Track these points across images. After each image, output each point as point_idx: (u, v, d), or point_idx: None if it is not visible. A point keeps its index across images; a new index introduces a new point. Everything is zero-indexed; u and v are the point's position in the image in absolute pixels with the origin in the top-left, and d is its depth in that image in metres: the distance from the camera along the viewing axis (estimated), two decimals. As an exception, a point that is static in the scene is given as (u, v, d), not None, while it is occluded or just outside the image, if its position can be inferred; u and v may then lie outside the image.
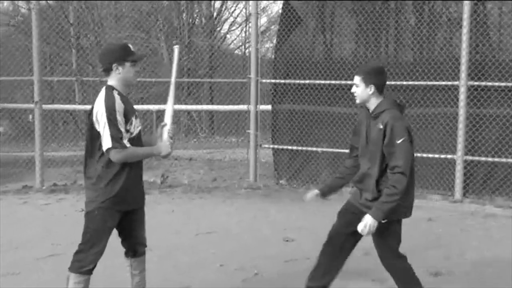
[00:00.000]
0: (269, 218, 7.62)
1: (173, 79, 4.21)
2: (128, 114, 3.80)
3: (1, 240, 6.34)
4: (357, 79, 4.03)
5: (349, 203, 4.28)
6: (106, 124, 3.68)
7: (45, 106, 9.68)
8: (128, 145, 3.73)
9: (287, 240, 6.55)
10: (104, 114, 3.69)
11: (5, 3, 32.75)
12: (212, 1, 31.72)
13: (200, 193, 9.22)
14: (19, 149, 14.90)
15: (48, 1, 30.84)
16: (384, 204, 3.83)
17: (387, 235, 4.06)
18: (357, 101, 4.09)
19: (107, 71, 3.86)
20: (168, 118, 4.07)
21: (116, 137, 3.68)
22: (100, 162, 3.81)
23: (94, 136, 3.79)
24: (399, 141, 3.79)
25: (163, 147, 3.93)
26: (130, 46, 3.92)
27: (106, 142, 3.68)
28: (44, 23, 28.28)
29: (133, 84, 4.05)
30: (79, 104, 19.24)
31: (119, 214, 3.90)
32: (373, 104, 3.99)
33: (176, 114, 22.71)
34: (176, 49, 4.27)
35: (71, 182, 9.68)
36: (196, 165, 12.56)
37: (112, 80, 3.87)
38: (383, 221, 3.87)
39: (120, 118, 3.72)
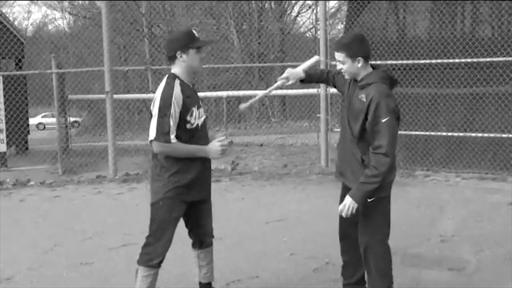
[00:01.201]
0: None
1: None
2: (188, 105, 3.70)
3: (76, 229, 6.47)
4: (340, 56, 3.69)
5: (343, 187, 4.03)
6: (156, 114, 3.61)
7: (116, 96, 9.77)
8: (173, 140, 3.63)
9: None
10: (158, 104, 3.62)
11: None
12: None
13: (270, 179, 9.12)
14: (96, 139, 15.27)
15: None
16: (364, 185, 3.58)
17: (376, 215, 3.79)
18: (346, 77, 3.79)
19: (172, 59, 3.76)
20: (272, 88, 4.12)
21: (162, 130, 3.60)
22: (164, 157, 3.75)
23: None
24: (383, 120, 3.50)
25: (212, 150, 3.78)
26: (195, 32, 3.79)
27: (151, 133, 3.62)
28: (118, 15, 28.97)
29: (199, 72, 3.94)
30: (152, 92, 19.51)
31: (185, 205, 3.82)
32: (361, 75, 3.71)
33: (248, 99, 22.82)
34: (314, 58, 4.24)
35: (143, 171, 9.78)
36: (267, 151, 12.49)
37: (176, 68, 3.77)
38: (369, 200, 3.65)
39: (174, 109, 3.62)
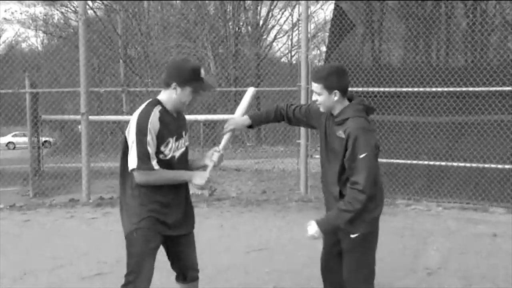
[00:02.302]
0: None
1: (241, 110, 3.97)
2: (164, 135, 3.46)
3: (47, 257, 6.17)
4: (317, 87, 3.56)
5: None
6: (134, 142, 3.39)
7: (91, 118, 9.49)
8: (156, 167, 3.42)
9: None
10: (135, 131, 3.39)
11: (56, 16, 33.34)
12: (258, 9, 31.60)
13: (249, 206, 8.91)
14: (68, 161, 14.90)
15: (97, 13, 31.27)
16: (334, 218, 3.49)
17: (361, 252, 3.68)
18: (322, 110, 3.65)
19: (166, 85, 3.54)
20: (222, 146, 3.82)
21: (143, 158, 3.38)
22: (133, 180, 3.51)
23: (127, 152, 3.50)
24: (361, 156, 3.40)
25: (198, 176, 3.56)
26: (202, 71, 3.57)
27: (132, 162, 3.40)
28: (93, 35, 28.69)
29: (182, 110, 3.69)
30: (126, 114, 19.22)
31: (161, 236, 3.59)
32: (337, 110, 3.58)
33: (223, 123, 22.65)
34: (250, 91, 3.96)
35: (117, 195, 9.48)
36: (244, 176, 12.29)
37: (164, 95, 3.56)
38: (352, 236, 3.58)
39: (150, 137, 3.39)
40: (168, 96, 3.54)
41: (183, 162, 3.63)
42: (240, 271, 5.69)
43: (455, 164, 8.74)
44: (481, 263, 5.86)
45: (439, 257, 6.11)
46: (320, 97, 3.56)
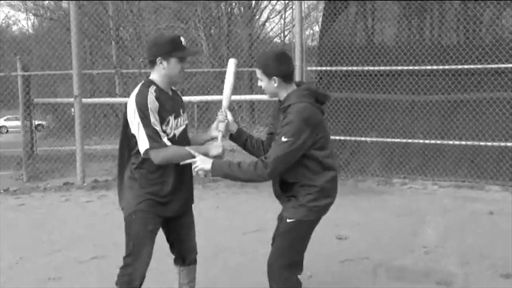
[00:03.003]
0: (319, 213, 7.22)
1: (228, 91, 3.82)
2: (163, 114, 3.42)
3: (42, 241, 6.13)
4: (257, 73, 3.52)
5: None
6: (140, 124, 3.32)
7: (84, 100, 9.41)
8: (168, 143, 3.38)
9: (340, 238, 6.15)
10: (137, 113, 3.33)
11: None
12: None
13: (245, 187, 8.86)
14: (62, 144, 14.82)
15: (88, -5, 30.98)
16: (229, 169, 3.37)
17: (289, 238, 3.54)
18: (268, 96, 3.61)
19: (151, 63, 3.48)
20: (228, 112, 3.75)
21: (154, 136, 3.33)
22: (133, 163, 3.49)
23: (127, 135, 3.45)
24: (284, 139, 3.29)
25: (213, 147, 3.54)
26: (182, 39, 3.50)
27: (143, 143, 3.34)
28: (84, 17, 28.46)
29: (178, 82, 3.64)
30: (120, 96, 19.10)
31: (160, 218, 3.56)
32: (282, 96, 3.52)
33: (217, 104, 22.55)
34: (232, 63, 3.88)
35: (112, 177, 9.44)
36: (239, 157, 12.20)
37: (154, 74, 3.50)
38: (289, 220, 3.47)
39: (153, 117, 3.34)
40: (157, 73, 3.49)
41: (184, 140, 3.58)
42: (237, 252, 5.68)
43: (450, 142, 8.71)
44: (478, 241, 5.85)
45: (436, 235, 6.11)
46: (262, 83, 3.54)
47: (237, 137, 3.83)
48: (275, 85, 3.48)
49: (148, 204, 3.47)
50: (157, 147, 3.33)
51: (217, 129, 3.71)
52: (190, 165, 3.47)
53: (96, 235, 6.32)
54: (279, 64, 3.48)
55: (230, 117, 3.76)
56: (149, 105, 3.32)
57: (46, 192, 8.77)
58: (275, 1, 32.81)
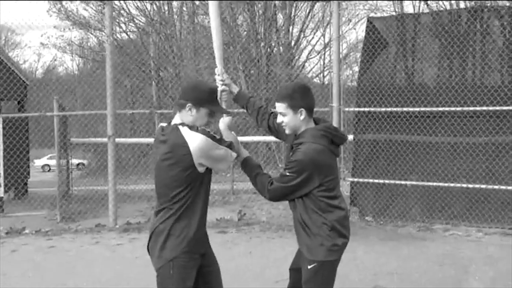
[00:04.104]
0: (356, 260, 6.87)
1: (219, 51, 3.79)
2: None
3: (69, 286, 5.95)
4: (281, 107, 3.41)
5: (296, 255, 3.80)
6: (217, 148, 3.31)
7: (118, 140, 9.33)
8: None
9: (378, 289, 5.80)
10: (209, 144, 3.27)
11: (90, 40, 33.75)
12: (290, 29, 31.51)
13: (279, 231, 8.58)
14: (98, 183, 14.81)
15: (130, 36, 31.54)
16: (252, 170, 3.50)
17: (316, 283, 3.46)
18: (287, 132, 3.49)
19: (180, 106, 3.35)
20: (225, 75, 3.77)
21: (229, 145, 3.41)
22: (175, 214, 3.31)
23: (181, 176, 3.27)
24: (288, 173, 3.35)
25: (221, 121, 3.61)
26: (219, 94, 3.52)
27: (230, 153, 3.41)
28: (126, 57, 28.92)
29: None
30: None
31: (196, 267, 3.35)
32: (301, 130, 3.45)
33: (255, 145, 22.40)
34: (212, 5, 3.78)
35: (145, 219, 9.27)
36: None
37: (179, 118, 3.37)
38: (309, 267, 3.42)
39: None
40: (183, 118, 3.35)
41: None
42: (269, 303, 5.38)
43: (495, 187, 8.30)
44: (528, 295, 5.45)
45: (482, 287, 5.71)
46: (285, 117, 3.43)
47: (239, 98, 3.85)
48: (301, 118, 3.40)
49: (188, 256, 3.31)
50: (234, 147, 3.44)
51: (220, 99, 3.66)
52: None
53: (123, 281, 6.10)
54: (306, 96, 3.43)
55: (228, 80, 3.72)
56: (208, 131, 3.33)
57: (77, 234, 8.63)
58: (315, 42, 32.88)
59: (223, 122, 3.58)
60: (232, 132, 3.58)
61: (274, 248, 7.63)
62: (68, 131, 12.33)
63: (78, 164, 28.37)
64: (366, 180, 9.15)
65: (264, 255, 7.26)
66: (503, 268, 6.38)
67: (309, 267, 3.41)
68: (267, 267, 6.65)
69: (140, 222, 9.13)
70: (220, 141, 3.34)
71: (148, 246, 3.42)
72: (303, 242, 3.49)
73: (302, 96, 3.41)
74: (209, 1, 3.78)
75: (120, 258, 7.19)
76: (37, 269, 6.71)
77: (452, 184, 8.61)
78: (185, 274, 3.28)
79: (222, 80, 3.67)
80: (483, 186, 8.40)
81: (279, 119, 3.48)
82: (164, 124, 3.45)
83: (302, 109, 3.38)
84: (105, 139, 9.40)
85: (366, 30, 9.27)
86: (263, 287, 5.87)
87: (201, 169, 3.28)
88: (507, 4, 12.47)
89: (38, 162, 35.57)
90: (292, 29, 32.45)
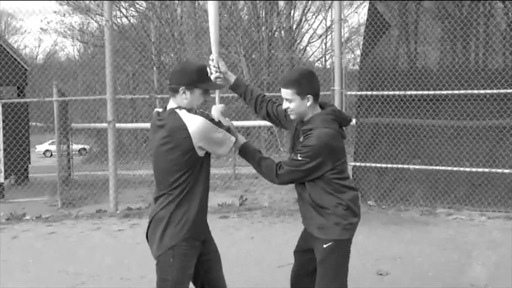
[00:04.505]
0: (357, 245, 6.74)
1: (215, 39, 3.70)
2: None
3: (68, 272, 5.90)
4: (287, 93, 3.37)
5: (301, 237, 3.83)
6: (216, 131, 3.26)
7: (118, 125, 9.26)
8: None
9: (380, 274, 5.74)
10: (208, 127, 3.22)
11: (91, 25, 33.57)
12: (292, 13, 31.31)
13: (281, 216, 8.54)
14: (99, 168, 14.78)
15: (130, 21, 31.35)
16: (254, 155, 3.48)
17: (334, 263, 3.48)
18: (292, 117, 3.46)
19: (173, 91, 3.29)
20: (221, 63, 3.63)
21: (228, 129, 3.35)
22: (174, 200, 3.25)
23: (181, 160, 3.21)
24: (300, 157, 3.34)
25: (214, 110, 3.51)
26: (209, 70, 3.42)
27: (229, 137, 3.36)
28: (126, 42, 28.78)
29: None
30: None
31: (196, 254, 3.31)
32: (308, 116, 3.42)
33: (257, 129, 22.33)
34: (212, 4, 3.70)
35: (146, 205, 9.22)
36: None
37: (174, 103, 3.31)
38: (325, 245, 3.42)
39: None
40: (177, 102, 3.28)
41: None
42: (272, 287, 5.33)
43: (499, 170, 8.22)
44: (532, 280, 5.39)
45: (486, 272, 5.65)
46: (292, 103, 3.40)
47: (236, 87, 3.77)
48: (308, 104, 3.38)
49: (186, 244, 3.25)
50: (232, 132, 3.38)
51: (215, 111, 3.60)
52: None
53: (124, 267, 6.05)
54: (312, 82, 3.41)
55: (223, 68, 3.62)
56: (207, 114, 3.30)
57: (78, 220, 8.58)
58: (316, 25, 32.69)
59: (216, 109, 3.51)
60: (227, 119, 3.50)
61: (276, 233, 7.58)
62: (68, 116, 12.27)
63: (80, 150, 28.36)
64: (368, 164, 9.08)
65: (266, 240, 7.21)
66: (506, 253, 6.32)
67: (324, 246, 3.41)
68: (269, 252, 6.61)
69: (141, 208, 9.08)
70: (219, 124, 3.28)
71: (147, 233, 3.37)
72: (314, 222, 3.47)
73: (309, 81, 3.38)
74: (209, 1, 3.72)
75: (121, 244, 7.15)
76: (38, 255, 6.66)
77: (455, 168, 8.54)
78: (185, 262, 3.24)
79: (215, 67, 3.58)
80: (486, 169, 8.33)
81: (285, 105, 3.43)
82: (160, 109, 3.38)
83: (309, 95, 3.35)
84: (105, 125, 9.33)
85: (368, 13, 9.16)
86: (265, 272, 5.81)
87: (200, 153, 3.22)
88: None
89: (40, 148, 35.54)
90: (294, 12, 32.23)
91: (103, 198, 9.98)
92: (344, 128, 3.52)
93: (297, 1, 31.76)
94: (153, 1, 29.33)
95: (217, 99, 3.64)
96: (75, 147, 20.53)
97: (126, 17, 31.56)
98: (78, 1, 30.41)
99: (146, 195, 10.57)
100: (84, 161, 22.16)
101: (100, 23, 31.99)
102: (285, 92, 3.38)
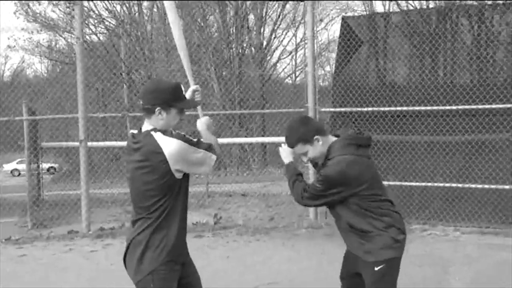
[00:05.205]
0: (335, 264, 6.65)
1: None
2: None
3: (41, 297, 5.74)
4: (299, 149, 3.51)
5: (346, 262, 3.83)
6: (196, 149, 3.17)
7: (90, 144, 9.10)
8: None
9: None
10: (184, 148, 3.12)
11: (60, 42, 33.27)
12: (262, 30, 31.44)
13: (257, 234, 8.46)
14: (70, 187, 14.54)
15: (100, 38, 31.15)
16: (292, 176, 3.57)
17: (385, 284, 3.48)
18: (320, 162, 3.57)
19: (148, 112, 3.18)
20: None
21: (208, 148, 3.25)
22: (153, 224, 3.16)
23: (152, 191, 3.13)
24: (316, 184, 3.42)
25: (200, 124, 3.45)
26: (183, 88, 3.28)
27: (209, 159, 3.24)
28: (97, 60, 28.57)
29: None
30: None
31: (177, 276, 3.23)
32: (324, 150, 3.50)
33: (229, 146, 22.24)
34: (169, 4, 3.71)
35: (119, 225, 9.07)
36: (251, 202, 11.87)
37: (149, 124, 3.21)
38: (377, 268, 3.42)
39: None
40: (153, 123, 3.19)
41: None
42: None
43: (472, 185, 8.29)
44: (509, 295, 5.41)
45: (463, 288, 5.66)
46: (308, 153, 3.50)
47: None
48: (320, 143, 3.45)
49: (169, 267, 3.18)
50: (214, 149, 3.28)
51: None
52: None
53: (98, 289, 5.93)
54: (309, 125, 3.50)
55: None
56: (184, 135, 3.21)
57: (49, 241, 8.39)
58: (286, 42, 32.87)
59: (201, 122, 3.45)
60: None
61: (252, 252, 7.51)
62: (38, 135, 12.05)
63: (49, 169, 27.93)
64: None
65: (242, 259, 7.13)
66: (480, 268, 6.36)
67: (376, 269, 3.41)
68: (246, 271, 6.53)
69: (114, 228, 8.92)
70: (198, 143, 3.20)
71: (124, 258, 3.27)
72: (359, 247, 3.49)
73: (307, 126, 3.47)
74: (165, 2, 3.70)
75: (94, 265, 7.00)
76: (8, 279, 6.46)
77: (429, 184, 8.59)
78: (166, 287, 3.15)
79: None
80: (459, 185, 8.39)
81: (304, 159, 3.54)
82: (135, 131, 3.28)
83: (315, 136, 3.43)
84: (76, 143, 9.16)
85: (340, 29, 9.21)
86: (242, 292, 5.75)
87: (178, 175, 3.15)
88: (475, 3, 12.56)
89: (7, 167, 34.98)
90: (264, 29, 32.41)
91: (75, 218, 9.77)
92: (366, 147, 3.55)
93: (267, 18, 31.89)
94: (122, 18, 29.24)
95: (200, 112, 3.58)
96: (44, 166, 20.19)
97: (95, 34, 31.39)
98: (46, 18, 30.12)
99: (118, 215, 10.41)
100: (54, 180, 21.80)
101: (69, 40, 31.73)
102: (297, 149, 3.50)
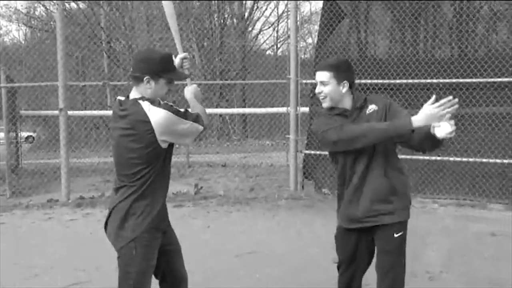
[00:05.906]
0: (315, 233, 6.85)
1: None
2: None
3: (20, 265, 5.73)
4: (325, 76, 3.33)
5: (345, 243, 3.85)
6: (182, 120, 3.14)
7: (70, 113, 9.03)
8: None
9: (336, 262, 5.76)
10: (171, 118, 3.10)
11: (38, 9, 32.71)
12: (244, 1, 31.20)
13: (237, 204, 8.51)
14: (49, 156, 14.44)
15: (79, 5, 30.70)
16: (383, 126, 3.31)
17: (403, 251, 3.50)
18: (325, 104, 3.41)
19: (136, 80, 3.16)
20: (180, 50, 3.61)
21: (198, 119, 3.23)
22: (136, 192, 3.16)
23: (137, 159, 3.12)
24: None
25: (188, 92, 3.47)
26: (174, 59, 3.29)
27: (197, 124, 3.22)
28: (76, 28, 28.18)
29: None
30: (110, 109, 18.71)
31: (158, 244, 3.24)
32: (347, 103, 3.40)
33: (211, 116, 22.21)
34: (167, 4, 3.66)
35: (98, 194, 9.05)
36: (231, 172, 11.89)
37: (137, 92, 3.18)
38: (396, 235, 3.40)
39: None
40: (141, 92, 3.17)
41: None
42: (229, 277, 5.30)
43: (450, 158, 8.38)
44: (484, 265, 5.51)
45: (440, 259, 5.75)
46: (327, 87, 3.34)
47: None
48: (344, 90, 3.34)
49: (149, 235, 3.17)
50: (202, 123, 3.24)
51: (182, 67, 3.55)
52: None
53: (78, 258, 5.93)
54: (350, 70, 3.40)
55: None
56: (171, 105, 3.18)
57: (28, 210, 8.36)
58: (268, 13, 32.67)
59: (188, 91, 3.45)
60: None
61: (232, 222, 7.56)
62: (17, 103, 11.91)
63: (27, 137, 27.69)
64: (322, 152, 9.11)
65: (222, 229, 7.17)
66: (458, 239, 6.46)
67: (396, 235, 3.38)
68: (226, 241, 6.58)
69: (94, 197, 8.91)
70: (185, 114, 3.17)
71: (106, 224, 3.27)
72: (380, 208, 3.40)
73: (347, 69, 3.37)
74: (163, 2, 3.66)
75: (74, 234, 7.00)
76: (-13, 247, 6.46)
77: (408, 157, 8.65)
78: (148, 254, 3.16)
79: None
80: (438, 158, 8.47)
81: (319, 89, 3.37)
82: (122, 98, 3.25)
83: (345, 81, 3.33)
84: (56, 112, 9.09)
85: (323, 1, 9.17)
86: (223, 261, 5.78)
87: (164, 145, 3.14)
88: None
89: (-16, 136, 34.56)
90: (246, 0, 32.15)
91: (54, 187, 9.75)
92: None
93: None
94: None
95: (188, 81, 3.56)
96: (23, 134, 19.99)
97: (75, 1, 30.90)
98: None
99: (98, 184, 10.39)
100: (32, 149, 21.61)
101: (48, 7, 31.21)
102: (322, 75, 3.33)
